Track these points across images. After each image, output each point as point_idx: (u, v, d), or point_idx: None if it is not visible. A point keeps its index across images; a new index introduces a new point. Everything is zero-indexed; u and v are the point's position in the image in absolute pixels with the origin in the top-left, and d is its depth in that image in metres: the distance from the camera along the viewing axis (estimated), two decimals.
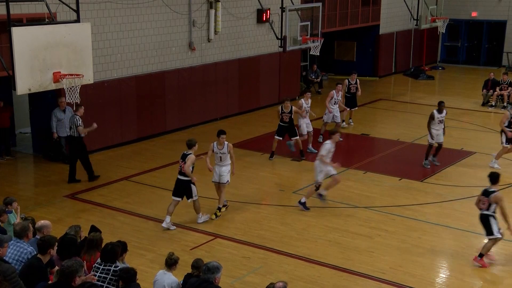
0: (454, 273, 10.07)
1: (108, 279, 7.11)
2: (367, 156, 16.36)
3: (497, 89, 21.39)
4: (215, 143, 11.94)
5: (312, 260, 10.32)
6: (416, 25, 26.75)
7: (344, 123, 18.58)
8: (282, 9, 18.40)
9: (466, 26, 30.06)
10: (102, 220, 11.67)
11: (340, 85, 17.61)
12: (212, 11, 18.53)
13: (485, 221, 10.12)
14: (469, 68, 29.00)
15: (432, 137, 14.89)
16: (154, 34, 17.10)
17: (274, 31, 19.19)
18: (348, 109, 18.71)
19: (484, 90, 21.69)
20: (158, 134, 17.62)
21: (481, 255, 10.17)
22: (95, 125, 13.95)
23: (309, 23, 18.73)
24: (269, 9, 20.00)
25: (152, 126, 17.39)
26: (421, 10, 26.48)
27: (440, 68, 29.51)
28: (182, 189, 11.42)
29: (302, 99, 16.33)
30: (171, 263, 7.62)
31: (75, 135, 13.67)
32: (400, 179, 14.29)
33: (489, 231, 10.08)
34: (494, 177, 10.18)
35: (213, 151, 11.94)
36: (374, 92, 24.10)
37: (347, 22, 24.39)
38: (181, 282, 7.57)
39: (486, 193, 10.14)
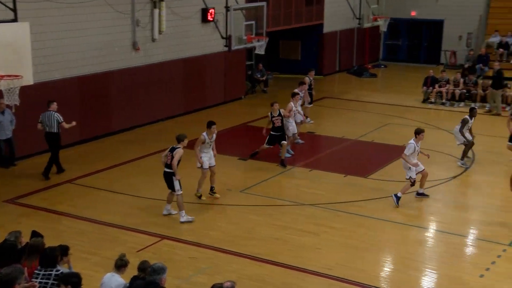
0: (398, 266, 10.31)
1: (49, 284, 6.94)
2: (313, 154, 16.56)
3: (436, 86, 22.01)
4: (205, 133, 12.62)
5: (261, 258, 10.36)
6: (359, 24, 27.28)
7: (308, 119, 18.87)
8: (227, 8, 18.45)
9: (406, 25, 30.81)
10: (45, 224, 11.38)
11: (304, 84, 17.71)
12: (156, 11, 18.35)
13: None
14: (410, 66, 29.74)
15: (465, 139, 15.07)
16: (97, 34, 16.79)
17: (219, 30, 19.20)
18: (310, 106, 19.04)
19: (424, 87, 22.27)
20: (104, 135, 17.32)
21: None
22: (74, 122, 14.09)
23: (254, 22, 18.83)
24: (213, 8, 19.97)
25: (97, 127, 17.08)
26: (363, 9, 27.01)
27: (382, 66, 30.14)
28: (166, 181, 11.71)
29: (292, 102, 15.82)
30: (120, 264, 7.47)
31: (55, 131, 13.74)
32: (345, 176, 14.52)
33: None
34: None
35: (204, 142, 12.64)
36: (319, 91, 24.32)
37: (291, 21, 24.59)
38: (128, 285, 7.46)
39: None
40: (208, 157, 12.85)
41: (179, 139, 11.71)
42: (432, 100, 22.02)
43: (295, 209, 12.54)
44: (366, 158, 16.21)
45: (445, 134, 17.97)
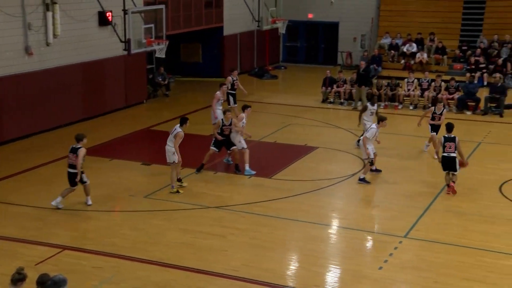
0: (302, 264, 10.55)
1: None
2: (217, 156, 16.54)
3: (334, 86, 22.72)
4: (180, 130, 13.17)
5: (167, 264, 10.25)
6: (258, 26, 27.64)
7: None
8: (125, 11, 18.06)
9: (304, 27, 31.60)
10: None
11: (225, 85, 17.57)
12: (50, 14, 17.67)
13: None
14: (309, 67, 30.52)
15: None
16: None
17: (117, 33, 18.79)
18: (235, 106, 18.94)
19: (323, 88, 22.93)
20: None
21: None
22: None
23: (153, 25, 18.58)
24: (111, 11, 19.50)
25: None
26: (262, 12, 27.40)
27: (282, 67, 30.73)
28: (70, 181, 12.11)
29: (243, 113, 15.16)
30: (18, 278, 7.09)
31: None
32: (249, 177, 14.65)
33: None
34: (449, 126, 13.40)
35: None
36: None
37: (191, 24, 24.52)
38: None
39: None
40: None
41: (79, 139, 12.11)
42: (331, 100, 22.71)
43: (200, 212, 12.51)
44: (269, 159, 16.44)
45: (344, 133, 18.59)
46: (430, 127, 16.14)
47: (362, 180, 14.13)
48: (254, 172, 14.68)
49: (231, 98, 18.99)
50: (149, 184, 14.19)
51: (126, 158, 15.91)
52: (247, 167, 14.71)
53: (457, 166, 13.36)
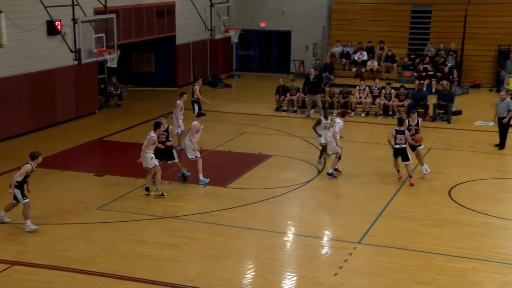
0: (258, 272, 10.55)
1: None
2: (171, 166, 16.43)
3: (288, 94, 22.91)
4: (153, 134, 13.58)
5: (121, 276, 10.11)
6: (211, 35, 27.65)
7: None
8: (74, 20, 17.79)
9: (256, 36, 31.77)
10: None
11: (185, 95, 17.53)
12: None
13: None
14: (262, 76, 30.68)
15: (321, 140, 16.00)
16: None
17: (67, 43, 18.48)
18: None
19: (277, 96, 23.08)
20: None
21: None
22: None
23: (104, 34, 18.35)
24: (59, 20, 19.17)
25: None
26: (214, 21, 27.44)
27: (236, 76, 30.80)
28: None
29: (197, 121, 14.86)
30: None
31: None
32: (204, 186, 14.60)
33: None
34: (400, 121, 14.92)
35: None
36: (174, 102, 24.31)
37: (143, 33, 24.35)
38: None
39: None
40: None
41: (33, 156, 11.81)
42: (285, 108, 22.87)
43: (155, 223, 12.39)
44: (224, 168, 16.43)
45: (298, 141, 18.75)
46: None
47: (330, 175, 15.10)
48: (207, 180, 14.64)
49: (196, 106, 19.11)
50: (103, 195, 13.97)
51: (78, 169, 15.64)
52: (200, 176, 14.65)
53: (409, 156, 14.61)
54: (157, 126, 13.88)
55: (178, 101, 17.18)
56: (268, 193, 14.08)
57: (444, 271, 10.34)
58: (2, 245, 11.19)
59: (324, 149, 16.20)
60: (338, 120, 15.23)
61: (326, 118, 16.10)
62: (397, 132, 14.75)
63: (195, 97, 19.18)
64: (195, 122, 14.79)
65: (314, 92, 21.77)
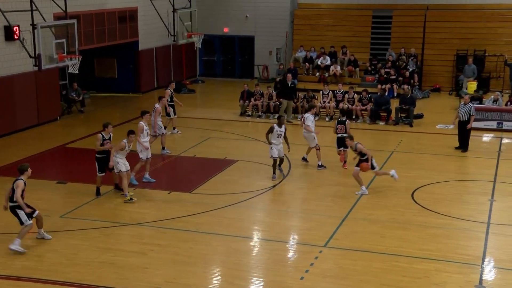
0: (226, 278, 10.52)
1: None
2: (136, 173, 16.28)
3: (252, 99, 22.95)
4: (125, 141, 13.73)
5: (85, 284, 9.96)
6: (174, 40, 27.52)
7: (176, 130, 19.93)
8: (33, 26, 17.48)
9: (220, 41, 31.77)
10: None
11: (164, 98, 18.16)
12: None
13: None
14: (226, 81, 30.69)
15: (274, 152, 15.33)
16: None
17: (26, 49, 18.15)
18: (175, 117, 19.72)
19: (241, 101, 23.10)
20: None
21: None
22: None
23: (64, 40, 18.09)
24: (18, 26, 18.80)
25: None
26: (177, 26, 27.33)
27: (200, 81, 30.71)
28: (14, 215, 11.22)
29: (143, 121, 14.87)
30: None
31: None
32: (169, 192, 14.51)
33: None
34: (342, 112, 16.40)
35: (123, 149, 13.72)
36: (138, 108, 24.05)
37: (105, 39, 24.09)
38: None
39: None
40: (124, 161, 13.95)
41: (22, 170, 11.34)
42: (249, 113, 22.90)
43: (120, 230, 12.25)
44: (189, 173, 16.36)
45: (263, 145, 18.75)
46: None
47: (321, 166, 16.23)
48: (136, 183, 14.78)
49: (171, 110, 19.54)
50: (65, 203, 13.76)
51: (40, 177, 15.30)
52: (146, 174, 15.03)
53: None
54: (131, 132, 13.96)
55: (157, 105, 17.55)
56: (234, 198, 14.07)
57: (408, 273, 10.49)
58: None
59: (275, 163, 15.42)
60: (307, 115, 16.51)
61: (280, 125, 15.28)
62: (338, 122, 16.42)
63: (169, 101, 19.58)
64: (140, 122, 14.90)
65: (290, 98, 21.86)
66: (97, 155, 14.05)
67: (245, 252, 11.58)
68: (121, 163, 13.81)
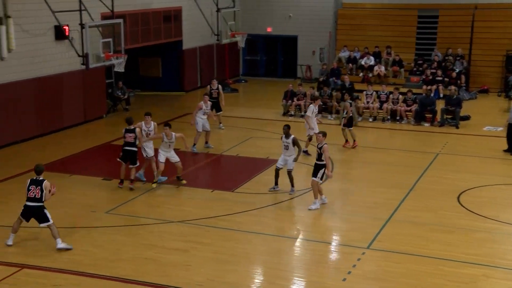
0: (267, 277, 10.52)
1: None
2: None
3: (295, 99, 22.89)
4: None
5: (129, 280, 10.09)
6: (217, 40, 27.68)
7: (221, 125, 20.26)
8: (82, 25, 17.83)
9: (263, 41, 31.79)
10: None
11: (207, 96, 18.29)
12: (3, 28, 17.33)
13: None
14: (269, 81, 30.69)
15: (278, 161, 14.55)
16: None
17: (75, 48, 18.53)
18: (216, 113, 19.85)
19: (284, 101, 23.06)
20: None
21: None
22: None
23: (111, 39, 18.39)
24: (67, 25, 19.23)
25: None
26: (220, 26, 27.47)
27: (243, 81, 30.81)
28: (37, 215, 11.17)
29: (143, 122, 14.98)
30: None
31: None
32: (212, 191, 14.60)
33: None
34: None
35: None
36: (181, 107, 24.39)
37: (150, 38, 24.40)
38: None
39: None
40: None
41: (40, 171, 11.29)
42: (292, 113, 22.85)
43: (163, 227, 12.38)
44: (232, 172, 16.43)
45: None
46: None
47: (305, 152, 16.64)
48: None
49: (214, 107, 19.89)
50: (111, 199, 13.98)
51: (87, 173, 15.67)
52: (141, 171, 14.99)
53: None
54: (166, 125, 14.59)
55: (200, 103, 17.94)
56: (275, 198, 14.05)
57: (454, 277, 10.28)
58: (12, 249, 11.21)
59: (277, 174, 14.46)
60: (311, 105, 17.14)
61: (287, 137, 14.21)
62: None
63: (213, 97, 19.95)
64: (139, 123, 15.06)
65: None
66: (123, 147, 14.54)
67: (286, 252, 11.56)
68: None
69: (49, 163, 16.43)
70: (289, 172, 14.29)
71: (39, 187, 11.05)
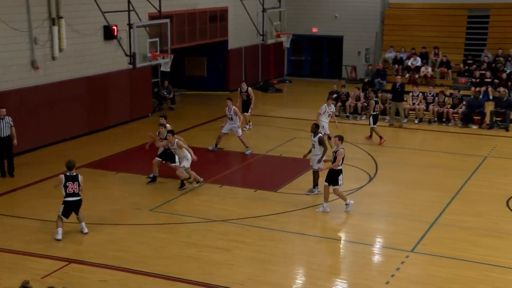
0: (308, 278, 10.48)
1: None
2: (222, 169, 16.57)
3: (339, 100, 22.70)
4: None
5: (172, 277, 10.21)
6: (263, 40, 27.71)
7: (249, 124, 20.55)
8: (130, 25, 18.12)
9: (308, 41, 31.68)
10: None
11: (230, 101, 18.14)
12: (55, 28, 17.79)
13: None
14: (314, 81, 30.55)
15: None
16: None
17: (122, 47, 18.86)
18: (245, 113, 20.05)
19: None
20: None
21: None
22: None
23: (158, 39, 18.62)
24: (116, 25, 19.60)
25: None
26: (266, 26, 27.49)
27: (287, 81, 30.77)
28: (76, 208, 11.72)
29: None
30: None
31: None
32: (255, 191, 14.63)
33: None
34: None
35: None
36: (225, 106, 24.48)
37: (196, 38, 24.63)
38: None
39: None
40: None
41: (72, 166, 11.72)
42: (336, 113, 22.66)
43: (206, 226, 12.47)
44: (275, 173, 16.42)
45: (349, 146, 18.50)
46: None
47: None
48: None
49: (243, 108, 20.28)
50: (155, 197, 14.17)
51: (132, 171, 15.92)
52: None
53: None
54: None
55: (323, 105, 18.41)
56: (318, 199, 13.97)
57: (502, 284, 10.03)
58: (60, 243, 11.48)
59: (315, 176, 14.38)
60: (324, 105, 17.75)
61: (314, 135, 14.16)
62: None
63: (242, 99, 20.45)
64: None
65: (399, 99, 21.42)
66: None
67: (328, 253, 11.49)
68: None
69: (96, 160, 16.79)
70: (314, 172, 14.26)
71: (76, 182, 11.56)
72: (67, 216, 11.68)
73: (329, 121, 18.00)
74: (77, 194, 11.62)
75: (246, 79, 28.35)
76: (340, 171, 13.04)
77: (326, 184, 13.14)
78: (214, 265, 10.69)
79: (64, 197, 11.57)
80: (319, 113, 17.58)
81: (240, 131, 17.71)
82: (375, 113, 18.98)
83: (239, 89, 20.68)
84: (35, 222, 12.49)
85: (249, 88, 20.52)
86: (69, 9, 18.31)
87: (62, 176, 11.65)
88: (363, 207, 13.83)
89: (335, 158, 13.03)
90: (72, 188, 11.54)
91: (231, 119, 17.54)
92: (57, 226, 11.65)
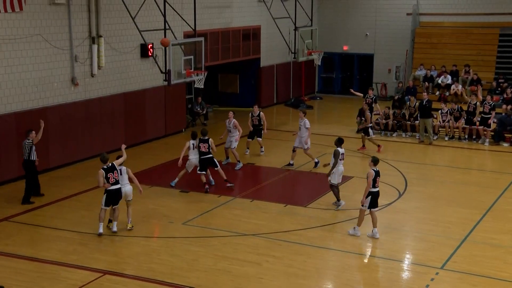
0: None
1: None
2: (253, 184, 16.85)
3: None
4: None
5: None
6: (294, 58, 28.01)
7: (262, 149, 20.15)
8: None
9: (339, 58, 31.91)
10: None
11: (232, 113, 18.79)
12: (95, 46, 18.46)
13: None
14: (344, 98, 30.68)
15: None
16: (34, 70, 16.72)
17: (158, 65, 19.37)
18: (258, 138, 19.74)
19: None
20: (41, 171, 17.02)
21: None
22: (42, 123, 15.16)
23: (192, 57, 19.09)
24: (152, 43, 20.20)
25: None
26: (298, 44, 27.83)
27: (318, 98, 31.01)
28: (119, 196, 12.84)
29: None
30: None
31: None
32: (285, 206, 14.86)
33: None
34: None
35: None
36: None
37: (229, 56, 25.10)
38: None
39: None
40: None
41: (107, 159, 12.87)
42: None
43: (237, 240, 12.73)
44: (305, 188, 16.63)
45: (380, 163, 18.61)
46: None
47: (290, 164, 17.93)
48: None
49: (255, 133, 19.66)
50: (187, 211, 14.51)
51: (166, 185, 16.31)
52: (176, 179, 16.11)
53: None
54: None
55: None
56: (348, 215, 14.14)
57: None
58: (96, 255, 11.88)
59: (337, 189, 14.67)
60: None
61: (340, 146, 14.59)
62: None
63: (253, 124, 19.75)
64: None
65: (426, 116, 21.48)
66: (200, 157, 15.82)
67: (358, 268, 11.63)
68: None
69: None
70: (330, 186, 14.58)
71: (115, 171, 12.66)
72: (114, 204, 12.70)
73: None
74: (118, 182, 12.64)
75: (278, 96, 28.75)
76: (371, 193, 12.89)
77: (365, 207, 12.88)
78: (245, 278, 10.93)
79: (107, 188, 12.57)
80: (308, 127, 18.08)
81: (235, 144, 18.03)
82: (371, 125, 19.98)
83: (250, 113, 19.74)
84: (73, 234, 12.93)
85: (261, 112, 19.79)
86: (108, 28, 18.99)
87: (101, 170, 12.55)
88: (392, 223, 13.95)
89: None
90: (114, 178, 12.61)
91: (230, 131, 18.08)
92: (99, 220, 12.60)
